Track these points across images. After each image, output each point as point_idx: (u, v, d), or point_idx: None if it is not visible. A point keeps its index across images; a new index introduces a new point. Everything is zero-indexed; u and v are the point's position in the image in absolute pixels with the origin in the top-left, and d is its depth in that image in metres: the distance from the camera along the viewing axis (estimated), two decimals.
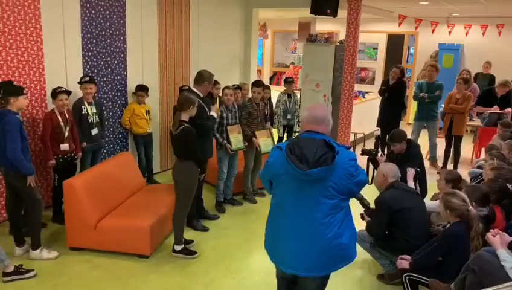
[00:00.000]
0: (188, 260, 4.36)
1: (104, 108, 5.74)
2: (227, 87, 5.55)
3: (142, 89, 6.14)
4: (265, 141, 5.79)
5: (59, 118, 4.80)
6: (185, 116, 4.25)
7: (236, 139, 5.48)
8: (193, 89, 4.97)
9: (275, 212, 2.71)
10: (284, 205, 2.61)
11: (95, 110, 5.28)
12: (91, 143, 5.27)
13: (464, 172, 6.16)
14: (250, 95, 6.31)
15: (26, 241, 4.32)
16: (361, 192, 4.01)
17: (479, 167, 5.67)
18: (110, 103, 6.08)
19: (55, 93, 4.78)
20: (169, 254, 4.44)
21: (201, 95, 4.88)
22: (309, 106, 2.82)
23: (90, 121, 5.22)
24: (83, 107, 5.15)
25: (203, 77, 4.93)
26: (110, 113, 6.11)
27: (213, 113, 4.99)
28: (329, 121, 2.63)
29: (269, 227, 2.77)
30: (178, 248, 4.40)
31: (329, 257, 2.60)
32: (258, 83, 5.94)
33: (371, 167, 4.87)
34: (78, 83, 5.19)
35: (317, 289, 2.76)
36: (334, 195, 2.51)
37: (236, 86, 6.24)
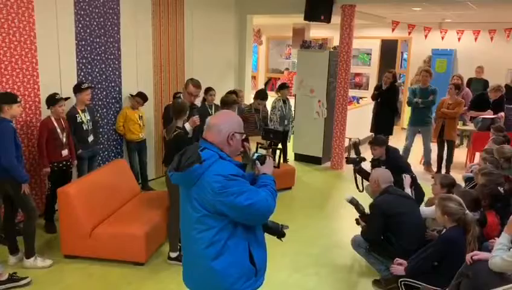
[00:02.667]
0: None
1: (97, 114, 5.75)
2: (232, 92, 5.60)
3: (142, 97, 6.12)
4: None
5: (55, 124, 4.80)
6: (180, 123, 4.26)
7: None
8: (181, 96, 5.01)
9: None
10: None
11: (88, 117, 5.28)
12: (87, 150, 5.27)
13: (456, 176, 6.19)
14: (245, 101, 6.35)
15: (20, 249, 4.29)
16: (357, 198, 4.08)
17: (472, 171, 5.71)
18: (104, 110, 6.07)
19: (55, 99, 4.77)
20: (164, 261, 4.43)
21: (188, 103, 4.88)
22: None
23: (85, 128, 5.21)
24: (77, 115, 5.14)
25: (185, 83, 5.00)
26: (105, 120, 6.10)
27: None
28: (219, 130, 2.28)
29: None
30: (173, 255, 4.39)
31: (199, 277, 2.34)
32: (264, 96, 5.94)
33: (359, 175, 4.93)
34: (77, 90, 5.13)
35: None
36: (198, 208, 2.23)
37: (232, 91, 6.27)
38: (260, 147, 2.57)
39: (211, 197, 2.17)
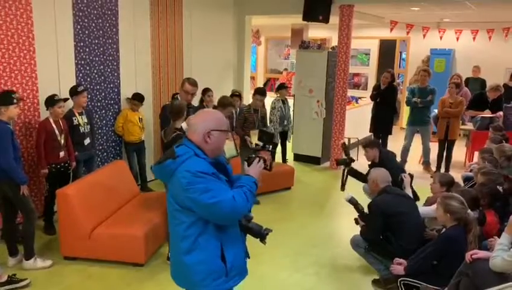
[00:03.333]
0: None
1: (94, 116, 5.75)
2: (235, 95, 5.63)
3: (138, 99, 6.11)
4: (228, 144, 5.75)
5: (54, 126, 4.79)
6: (178, 125, 4.26)
7: (227, 146, 5.47)
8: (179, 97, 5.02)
9: None
10: None
11: (86, 120, 5.25)
12: (83, 152, 5.26)
13: (456, 175, 6.18)
14: (244, 102, 6.36)
15: (20, 251, 4.28)
16: (356, 197, 4.09)
17: (472, 170, 5.71)
18: (103, 111, 6.07)
19: (53, 100, 4.77)
20: (164, 262, 4.42)
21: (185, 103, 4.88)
22: None
23: (82, 131, 5.20)
24: (74, 118, 5.12)
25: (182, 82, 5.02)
26: (104, 122, 6.10)
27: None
28: (195, 129, 2.32)
29: None
30: None
31: (176, 269, 2.42)
32: (262, 92, 5.98)
33: (352, 177, 4.94)
34: (73, 93, 5.10)
35: None
36: (171, 202, 2.31)
37: (237, 93, 6.28)
38: (253, 148, 2.53)
39: (181, 193, 2.22)
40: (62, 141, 4.87)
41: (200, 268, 2.30)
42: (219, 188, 2.21)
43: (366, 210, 4.01)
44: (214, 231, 2.29)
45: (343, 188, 5.00)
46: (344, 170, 4.95)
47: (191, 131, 2.34)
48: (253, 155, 2.47)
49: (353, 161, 5.07)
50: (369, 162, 5.09)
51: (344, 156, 5.25)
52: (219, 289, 2.34)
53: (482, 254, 3.00)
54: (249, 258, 2.53)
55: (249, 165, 2.43)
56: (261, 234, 2.47)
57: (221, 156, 2.50)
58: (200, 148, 2.29)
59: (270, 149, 2.51)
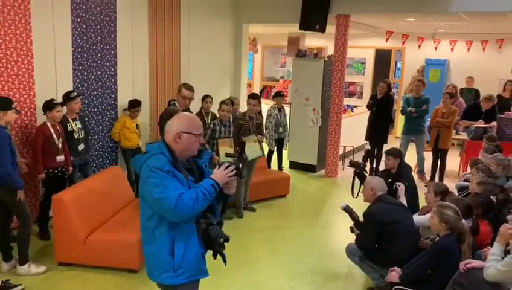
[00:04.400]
0: None
1: (91, 122, 5.74)
2: (224, 103, 5.59)
3: (136, 105, 6.08)
4: (252, 146, 5.75)
5: (51, 130, 4.79)
6: None
7: (225, 152, 5.49)
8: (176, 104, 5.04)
9: None
10: None
11: (80, 126, 5.24)
12: (78, 157, 5.25)
13: (450, 185, 6.21)
14: (241, 110, 6.36)
15: (14, 256, 4.26)
16: (352, 205, 4.11)
17: (466, 180, 5.76)
18: (100, 117, 6.08)
19: (52, 104, 4.76)
20: None
21: (181, 109, 4.92)
22: None
23: (76, 137, 5.18)
24: (68, 124, 5.11)
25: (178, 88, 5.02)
26: (100, 127, 6.10)
27: None
28: (167, 130, 2.47)
29: None
30: None
31: (146, 260, 2.56)
32: (254, 96, 5.99)
33: (357, 180, 4.91)
34: (67, 99, 5.04)
35: None
36: (139, 194, 2.50)
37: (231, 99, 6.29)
38: (226, 155, 2.59)
39: (141, 185, 2.41)
40: (60, 146, 4.87)
41: (152, 259, 2.50)
42: (169, 185, 2.32)
43: (361, 218, 4.03)
44: (168, 226, 2.41)
45: (355, 194, 4.95)
46: (354, 177, 4.92)
47: (166, 131, 2.50)
48: (228, 162, 2.51)
49: (365, 168, 5.06)
50: (386, 168, 5.12)
51: (360, 161, 5.25)
52: (165, 282, 2.49)
53: (476, 263, 3.03)
54: (202, 259, 2.53)
55: (218, 169, 2.50)
56: (216, 241, 2.42)
57: (205, 159, 2.57)
58: (170, 148, 2.44)
59: (239, 157, 2.54)
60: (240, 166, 2.52)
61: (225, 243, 2.45)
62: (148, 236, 2.48)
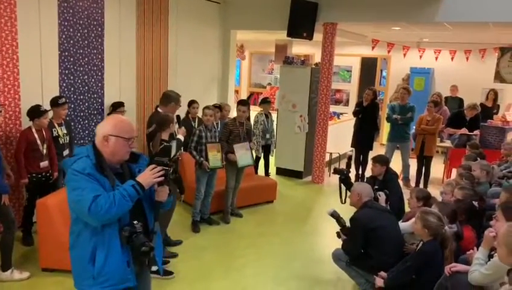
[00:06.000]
0: (164, 281, 4.30)
1: (77, 126, 5.69)
2: (207, 108, 5.57)
3: (120, 105, 6.03)
4: (244, 154, 5.78)
5: (36, 135, 4.72)
6: (165, 135, 4.27)
7: (214, 157, 5.49)
8: (158, 110, 4.96)
9: None
10: None
11: (65, 131, 5.19)
12: (63, 162, 5.18)
13: (434, 191, 6.28)
14: (231, 115, 6.37)
15: None
16: (339, 211, 4.14)
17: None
18: (86, 121, 6.03)
19: (40, 111, 4.68)
20: None
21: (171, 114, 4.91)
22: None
23: (61, 142, 5.13)
24: (53, 129, 5.05)
25: (169, 98, 4.94)
26: (86, 132, 6.05)
27: (180, 136, 4.87)
28: (96, 133, 2.45)
29: None
30: (154, 268, 4.33)
31: (71, 266, 2.47)
32: (244, 102, 6.00)
33: (343, 187, 4.95)
34: (54, 105, 5.01)
35: None
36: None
37: (217, 105, 6.28)
38: (156, 161, 2.49)
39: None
40: (44, 151, 4.80)
41: (75, 265, 2.44)
42: (86, 187, 2.26)
43: (348, 224, 4.06)
44: (90, 232, 2.35)
45: (343, 200, 4.97)
46: (340, 183, 4.96)
47: (96, 133, 2.46)
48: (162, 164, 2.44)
49: (349, 175, 5.10)
50: (372, 174, 5.18)
51: (344, 167, 5.28)
52: None
53: (460, 267, 3.07)
54: (128, 267, 2.40)
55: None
56: (139, 250, 2.31)
57: (141, 164, 2.51)
58: (99, 151, 2.39)
59: (167, 163, 2.45)
60: (170, 172, 2.43)
61: (151, 253, 2.33)
62: (72, 241, 2.42)
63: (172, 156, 3.94)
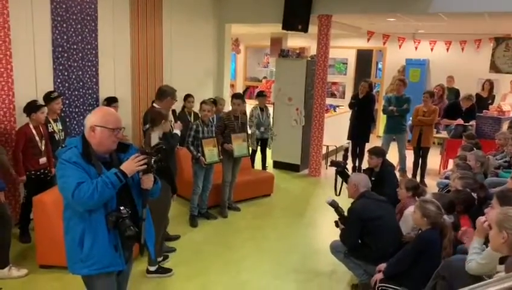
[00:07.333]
0: (163, 278, 4.29)
1: (72, 122, 5.65)
2: (204, 102, 5.54)
3: (114, 101, 5.99)
4: (241, 144, 5.79)
5: (34, 132, 4.69)
6: (157, 132, 4.23)
7: (210, 152, 5.48)
8: (154, 105, 4.92)
9: None
10: None
11: (60, 127, 5.16)
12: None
13: (431, 182, 6.33)
14: (225, 110, 6.35)
15: None
16: (337, 200, 4.13)
17: (446, 177, 5.87)
18: (81, 117, 5.99)
19: (36, 106, 4.66)
20: (142, 275, 4.35)
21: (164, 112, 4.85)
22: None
23: (57, 138, 5.09)
24: (49, 125, 5.02)
25: (165, 93, 4.90)
26: (82, 128, 5.98)
27: (176, 131, 4.85)
28: (84, 124, 2.57)
29: None
30: (153, 268, 4.33)
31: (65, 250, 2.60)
32: (238, 95, 5.97)
33: (339, 179, 4.96)
34: (47, 100, 4.98)
35: None
36: None
37: (212, 100, 6.25)
38: (140, 150, 2.64)
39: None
40: (43, 147, 4.78)
41: (67, 248, 2.57)
42: (71, 175, 2.39)
43: (346, 214, 4.07)
44: (78, 218, 2.47)
45: (337, 192, 4.99)
46: (336, 175, 4.97)
47: (85, 125, 2.56)
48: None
49: (346, 167, 5.11)
50: (369, 166, 5.18)
51: (341, 160, 5.28)
52: (76, 272, 2.57)
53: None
54: (116, 251, 2.53)
55: None
56: (123, 235, 2.43)
57: (130, 154, 2.57)
58: (87, 141, 2.50)
59: (149, 151, 2.57)
60: (152, 161, 2.54)
61: (135, 238, 2.47)
62: (65, 227, 2.56)
63: (153, 144, 3.96)
